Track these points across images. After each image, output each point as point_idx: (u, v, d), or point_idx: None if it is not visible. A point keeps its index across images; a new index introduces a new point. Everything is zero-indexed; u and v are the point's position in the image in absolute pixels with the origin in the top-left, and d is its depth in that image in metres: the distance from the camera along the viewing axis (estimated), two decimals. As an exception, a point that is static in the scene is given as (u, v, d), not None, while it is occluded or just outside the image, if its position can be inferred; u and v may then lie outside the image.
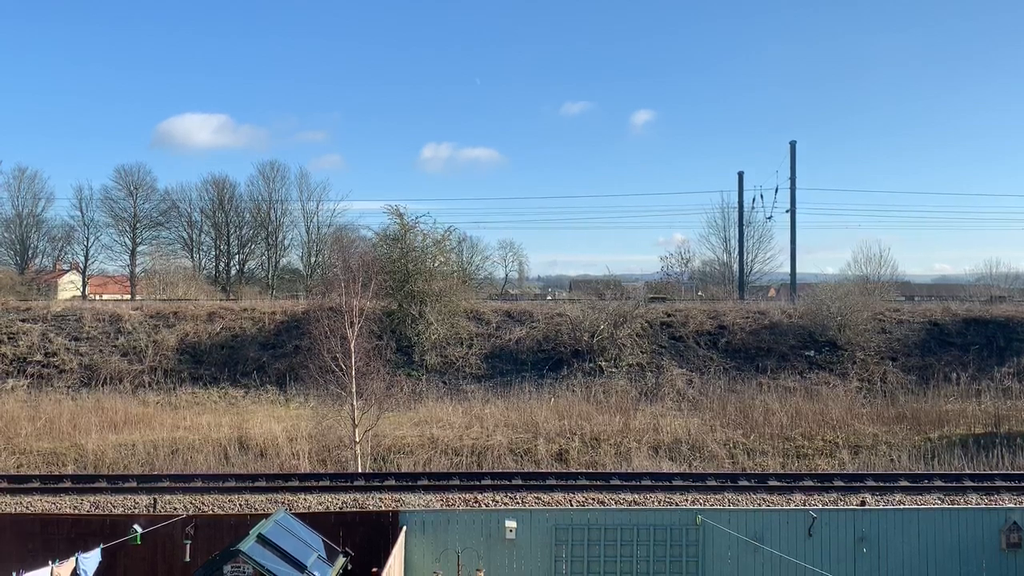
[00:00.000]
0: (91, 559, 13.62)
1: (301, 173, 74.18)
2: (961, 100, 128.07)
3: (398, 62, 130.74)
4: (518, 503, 18.70)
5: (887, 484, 20.09)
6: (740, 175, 61.96)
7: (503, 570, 15.90)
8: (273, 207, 69.76)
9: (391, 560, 14.17)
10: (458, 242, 42.63)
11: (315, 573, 12.85)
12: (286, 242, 70.30)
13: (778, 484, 20.09)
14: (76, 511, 18.42)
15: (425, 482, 20.35)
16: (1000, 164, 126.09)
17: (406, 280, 37.05)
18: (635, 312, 37.41)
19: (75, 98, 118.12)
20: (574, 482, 20.25)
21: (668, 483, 20.19)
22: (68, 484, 20.44)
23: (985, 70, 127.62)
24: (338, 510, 17.93)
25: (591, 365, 35.55)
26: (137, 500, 19.15)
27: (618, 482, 20.28)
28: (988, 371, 35.08)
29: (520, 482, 20.28)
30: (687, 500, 19.03)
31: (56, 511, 18.42)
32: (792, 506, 17.99)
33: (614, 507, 18.23)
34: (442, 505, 18.53)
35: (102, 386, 33.96)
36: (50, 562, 12.78)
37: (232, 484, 20.27)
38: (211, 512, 18.25)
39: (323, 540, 14.50)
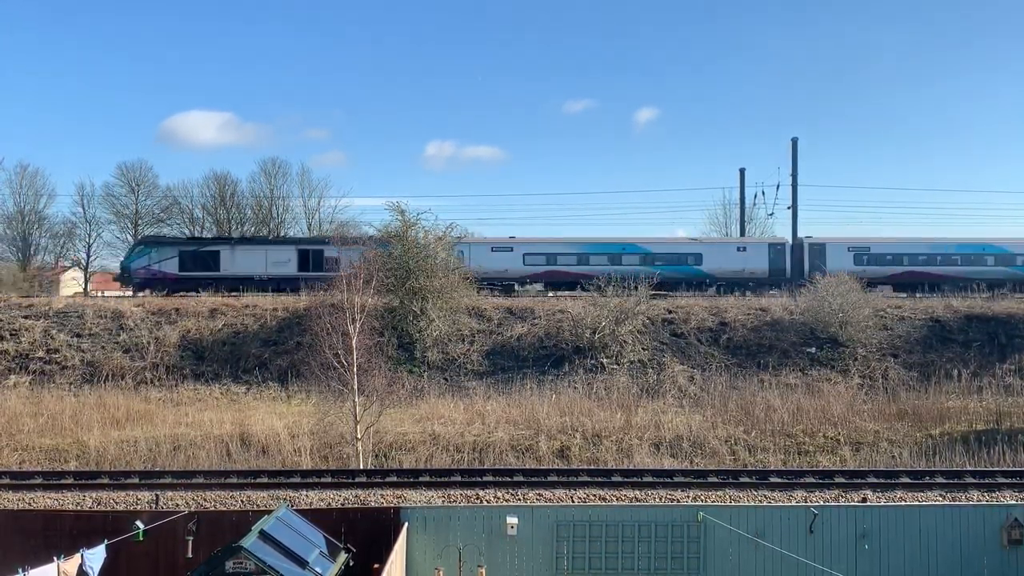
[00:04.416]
0: (96, 555, 13.63)
1: (302, 170, 74.47)
2: (966, 93, 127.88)
3: (401, 60, 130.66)
4: (519, 499, 18.71)
5: (888, 481, 20.10)
6: (742, 172, 62.21)
7: (504, 566, 15.93)
8: (274, 204, 69.95)
9: (393, 556, 14.19)
10: (460, 238, 42.43)
11: (317, 569, 12.88)
12: (287, 239, 70.39)
13: (779, 481, 20.11)
14: (78, 507, 18.44)
15: (427, 479, 20.37)
16: (1005, 159, 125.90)
17: (407, 276, 37.04)
18: (636, 309, 37.39)
19: (80, 95, 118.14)
20: (575, 478, 20.26)
21: (669, 480, 20.21)
22: (70, 481, 20.49)
23: (990, 63, 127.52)
24: (340, 506, 17.91)
25: (592, 362, 35.56)
26: (139, 496, 19.18)
27: (619, 479, 20.29)
28: (990, 368, 35.07)
29: (522, 478, 20.30)
30: (688, 497, 19.04)
31: (58, 507, 18.43)
32: (793, 503, 18.00)
33: (615, 504, 18.24)
34: (444, 501, 18.54)
35: (104, 382, 34.00)
36: (55, 558, 12.79)
37: (234, 480, 20.32)
38: (213, 508, 18.26)
39: (325, 536, 14.52)
